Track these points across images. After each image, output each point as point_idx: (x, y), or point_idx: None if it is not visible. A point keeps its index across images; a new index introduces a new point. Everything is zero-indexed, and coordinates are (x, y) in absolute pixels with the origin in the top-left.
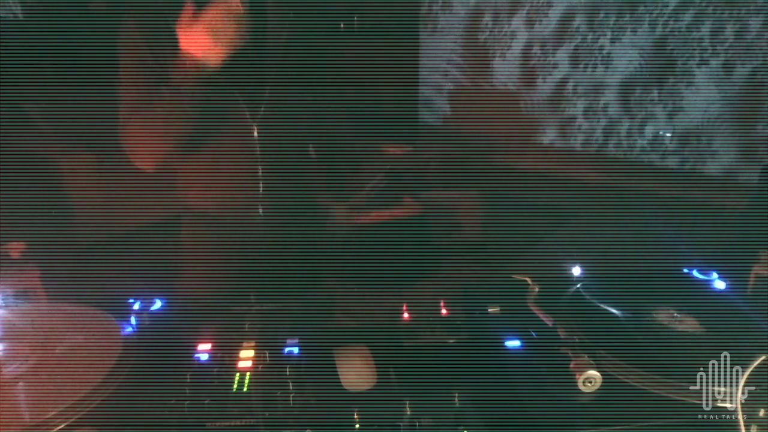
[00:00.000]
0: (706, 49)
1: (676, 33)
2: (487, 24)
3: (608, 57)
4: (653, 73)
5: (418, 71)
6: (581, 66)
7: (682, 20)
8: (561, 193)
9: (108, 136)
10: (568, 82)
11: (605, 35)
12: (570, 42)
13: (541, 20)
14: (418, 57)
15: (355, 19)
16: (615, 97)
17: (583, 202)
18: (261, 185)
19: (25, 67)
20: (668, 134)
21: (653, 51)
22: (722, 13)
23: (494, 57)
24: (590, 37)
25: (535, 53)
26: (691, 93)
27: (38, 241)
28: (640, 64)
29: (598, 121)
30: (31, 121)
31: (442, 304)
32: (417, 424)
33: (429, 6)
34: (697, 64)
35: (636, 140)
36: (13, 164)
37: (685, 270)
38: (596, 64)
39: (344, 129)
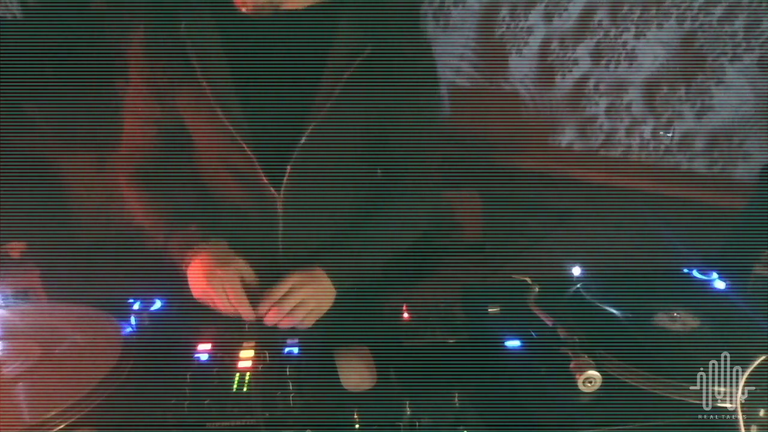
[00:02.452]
0: (740, 45)
1: (706, 27)
2: (503, 19)
3: (632, 53)
4: (680, 71)
5: None
6: (603, 63)
7: (713, 13)
8: (561, 193)
9: (108, 136)
10: (588, 79)
11: (629, 30)
12: (591, 37)
13: (560, 14)
14: None
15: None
16: (639, 96)
17: (584, 202)
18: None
19: (25, 67)
20: (669, 134)
21: (681, 47)
22: (759, 6)
23: (510, 53)
24: (613, 32)
25: (554, 49)
26: (721, 91)
27: (38, 241)
28: (666, 60)
29: (621, 121)
30: (31, 121)
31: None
32: (417, 424)
33: (441, 1)
34: (729, 60)
35: (661, 141)
36: (13, 164)
37: (685, 270)
38: (619, 60)
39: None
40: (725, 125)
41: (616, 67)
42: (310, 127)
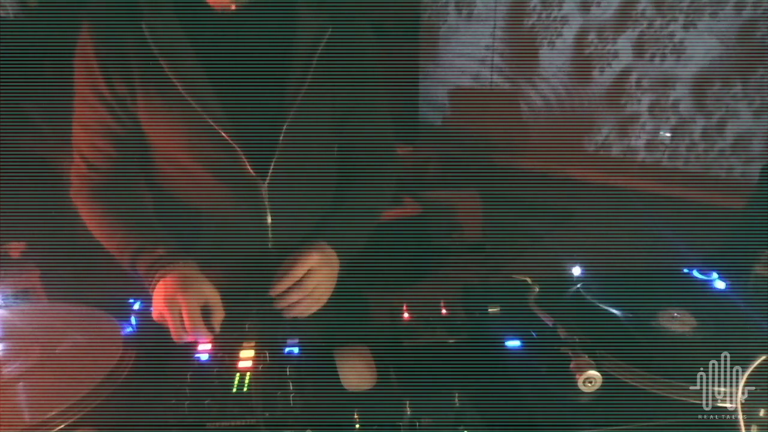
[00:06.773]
0: None
1: None
2: (534, 8)
3: (680, 46)
4: (737, 65)
5: (418, 70)
6: (647, 56)
7: None
8: (561, 193)
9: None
10: (630, 75)
11: (677, 20)
12: (634, 28)
13: (599, 3)
14: (418, 56)
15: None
16: (687, 93)
17: (584, 202)
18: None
19: (25, 67)
20: (668, 134)
21: (738, 38)
22: None
23: (542, 46)
24: (659, 22)
25: (591, 41)
26: None
27: (38, 241)
28: (720, 53)
29: (666, 120)
30: (31, 121)
31: (442, 304)
32: (417, 424)
33: None
34: None
35: (716, 142)
36: (13, 164)
37: (685, 270)
38: (665, 54)
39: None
40: None
41: (661, 62)
42: (290, 115)
